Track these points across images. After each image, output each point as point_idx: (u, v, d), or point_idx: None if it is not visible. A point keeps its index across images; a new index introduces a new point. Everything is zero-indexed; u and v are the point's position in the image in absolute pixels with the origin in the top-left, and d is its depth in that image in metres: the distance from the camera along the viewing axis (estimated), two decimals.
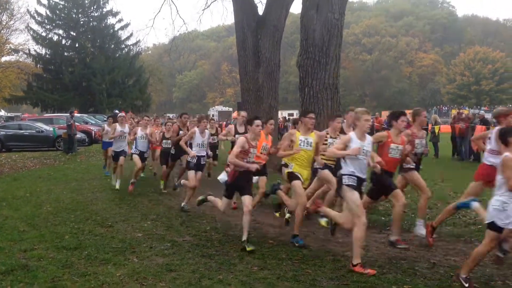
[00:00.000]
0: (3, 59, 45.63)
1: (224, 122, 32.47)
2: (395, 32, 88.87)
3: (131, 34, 49.00)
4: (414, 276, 5.11)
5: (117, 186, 10.96)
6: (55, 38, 46.48)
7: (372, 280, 4.95)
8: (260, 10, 15.31)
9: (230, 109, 58.48)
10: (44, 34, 45.97)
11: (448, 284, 4.80)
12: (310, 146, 6.65)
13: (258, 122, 6.59)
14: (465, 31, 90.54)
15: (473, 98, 70.32)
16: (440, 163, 16.62)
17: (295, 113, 26.82)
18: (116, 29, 48.41)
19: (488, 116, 29.79)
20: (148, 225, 7.62)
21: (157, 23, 48.56)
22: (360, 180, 5.50)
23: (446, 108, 61.28)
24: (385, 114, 36.77)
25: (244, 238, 6.22)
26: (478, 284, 4.84)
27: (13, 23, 45.05)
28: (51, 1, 45.60)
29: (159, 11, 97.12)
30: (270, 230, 7.27)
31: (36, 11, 45.60)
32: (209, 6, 31.41)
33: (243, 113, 9.67)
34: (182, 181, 9.03)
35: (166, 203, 9.54)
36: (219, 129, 13.34)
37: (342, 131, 7.46)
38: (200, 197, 7.58)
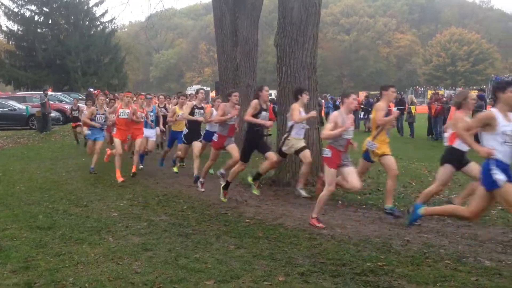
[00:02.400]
0: None
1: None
2: (373, 13, 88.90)
3: (106, 11, 48.71)
4: (388, 253, 5.19)
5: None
6: (28, 14, 45.10)
7: (347, 258, 5.01)
8: None
9: (208, 88, 57.96)
10: (16, 9, 44.54)
11: (421, 261, 4.89)
12: None
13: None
14: (442, 12, 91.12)
15: (448, 79, 71.17)
16: (415, 143, 16.90)
17: (273, 93, 26.73)
18: (90, 5, 47.19)
19: None
20: (124, 204, 7.56)
21: None
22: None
23: (422, 89, 61.88)
24: (362, 95, 37.08)
25: None
26: (451, 261, 4.94)
27: None
28: None
29: None
30: (246, 209, 7.28)
31: None
32: None
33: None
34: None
35: (142, 183, 9.47)
36: None
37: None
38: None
